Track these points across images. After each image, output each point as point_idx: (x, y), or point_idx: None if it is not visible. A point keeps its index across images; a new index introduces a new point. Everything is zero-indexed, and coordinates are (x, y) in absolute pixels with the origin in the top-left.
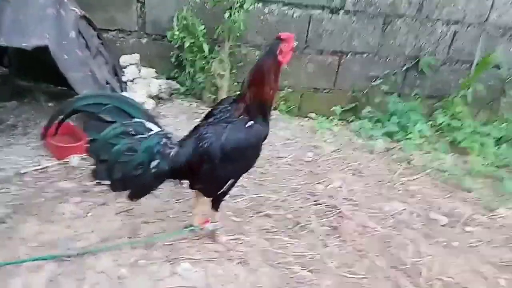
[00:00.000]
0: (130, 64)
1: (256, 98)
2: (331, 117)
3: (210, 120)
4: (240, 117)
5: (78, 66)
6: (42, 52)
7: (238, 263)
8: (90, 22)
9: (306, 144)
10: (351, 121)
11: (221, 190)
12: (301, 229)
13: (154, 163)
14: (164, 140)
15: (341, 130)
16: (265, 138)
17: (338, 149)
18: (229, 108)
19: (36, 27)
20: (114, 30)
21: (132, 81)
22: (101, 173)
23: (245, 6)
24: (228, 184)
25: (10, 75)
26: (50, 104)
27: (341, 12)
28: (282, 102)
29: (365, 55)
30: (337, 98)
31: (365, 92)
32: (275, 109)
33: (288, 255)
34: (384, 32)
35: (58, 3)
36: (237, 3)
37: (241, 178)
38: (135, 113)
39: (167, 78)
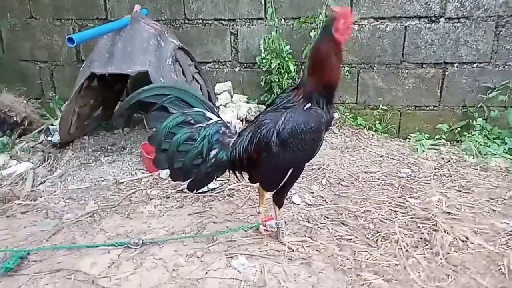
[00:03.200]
0: (223, 91)
1: (319, 82)
2: (436, 136)
3: (270, 108)
4: (300, 101)
5: None
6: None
7: (300, 263)
8: (188, 54)
9: (402, 161)
10: (462, 141)
11: (282, 182)
12: (382, 239)
13: (213, 152)
14: (223, 129)
15: (449, 149)
16: (329, 124)
17: (442, 166)
18: (290, 94)
19: (140, 56)
20: (211, 62)
21: (224, 105)
22: (162, 162)
23: None
24: (288, 175)
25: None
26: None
27: (442, 20)
28: (377, 122)
29: (475, 65)
30: (444, 115)
31: (478, 106)
32: (369, 128)
33: (360, 261)
34: (498, 37)
35: (159, 35)
36: (323, 22)
37: (312, 182)
38: (196, 104)
39: (258, 103)
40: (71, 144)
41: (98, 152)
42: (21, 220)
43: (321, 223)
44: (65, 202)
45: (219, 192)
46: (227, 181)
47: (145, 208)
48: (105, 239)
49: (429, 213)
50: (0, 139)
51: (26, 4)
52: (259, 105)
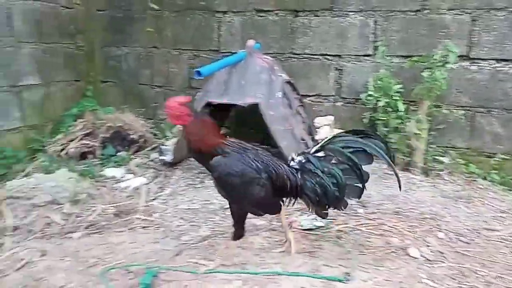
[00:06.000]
0: (324, 125)
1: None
2: None
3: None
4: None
5: (281, 121)
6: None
7: None
8: (294, 87)
9: None
10: None
11: None
12: None
13: None
14: None
15: None
16: None
17: None
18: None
19: (252, 89)
20: (313, 95)
21: None
22: None
23: (447, 64)
24: None
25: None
26: None
27: None
28: (493, 171)
29: None
30: None
31: None
32: (484, 178)
33: None
34: None
35: (270, 69)
36: (439, 62)
37: (427, 234)
38: None
39: None
40: (180, 164)
41: (203, 175)
42: (143, 236)
43: (447, 285)
44: (179, 222)
45: (325, 232)
46: (333, 220)
47: (254, 238)
48: (222, 267)
49: None
50: (121, 154)
51: (152, 35)
52: None
